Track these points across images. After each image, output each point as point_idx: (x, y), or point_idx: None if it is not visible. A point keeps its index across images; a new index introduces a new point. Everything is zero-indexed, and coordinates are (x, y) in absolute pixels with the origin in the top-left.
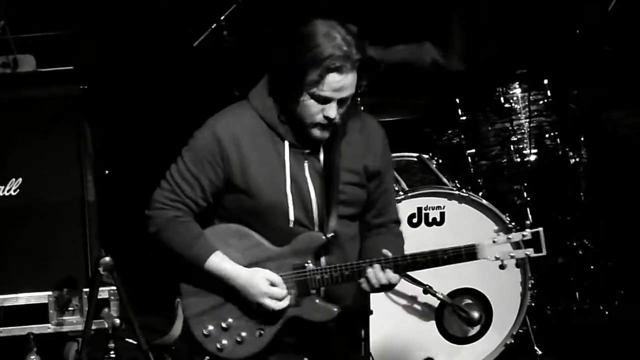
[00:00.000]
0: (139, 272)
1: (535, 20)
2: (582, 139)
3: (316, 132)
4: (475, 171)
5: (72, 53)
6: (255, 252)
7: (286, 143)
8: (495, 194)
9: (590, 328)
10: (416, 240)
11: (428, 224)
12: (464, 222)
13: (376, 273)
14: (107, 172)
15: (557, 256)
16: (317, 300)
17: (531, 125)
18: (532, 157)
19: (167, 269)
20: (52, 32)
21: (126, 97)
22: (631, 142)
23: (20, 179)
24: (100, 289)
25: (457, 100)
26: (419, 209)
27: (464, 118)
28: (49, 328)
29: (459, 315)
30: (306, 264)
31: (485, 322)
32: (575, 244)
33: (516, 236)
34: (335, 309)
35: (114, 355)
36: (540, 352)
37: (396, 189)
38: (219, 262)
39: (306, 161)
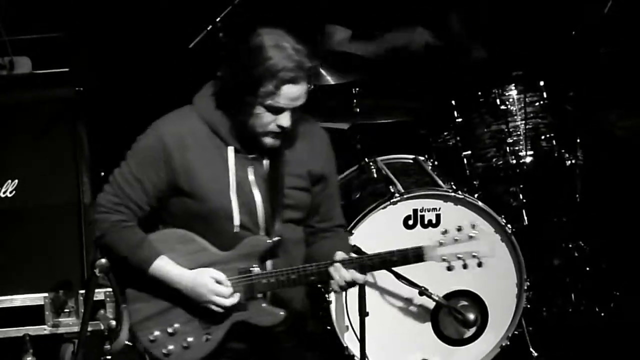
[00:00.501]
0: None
1: (531, 21)
2: (578, 140)
3: (268, 141)
4: (471, 173)
5: (68, 55)
6: (200, 256)
7: (230, 148)
8: (491, 196)
9: (586, 329)
10: (412, 242)
11: (424, 225)
12: (459, 224)
13: (341, 273)
14: (103, 173)
15: (553, 258)
16: (263, 305)
17: (527, 127)
18: (528, 159)
19: None
20: (48, 34)
21: (122, 98)
22: (627, 143)
23: (17, 181)
24: (96, 290)
25: (453, 102)
26: (415, 211)
27: (459, 120)
28: (45, 329)
29: (454, 317)
30: (252, 268)
31: (481, 323)
32: (570, 245)
33: (463, 236)
34: (282, 313)
35: (109, 357)
36: (536, 354)
37: (392, 190)
38: (164, 265)
39: (251, 166)
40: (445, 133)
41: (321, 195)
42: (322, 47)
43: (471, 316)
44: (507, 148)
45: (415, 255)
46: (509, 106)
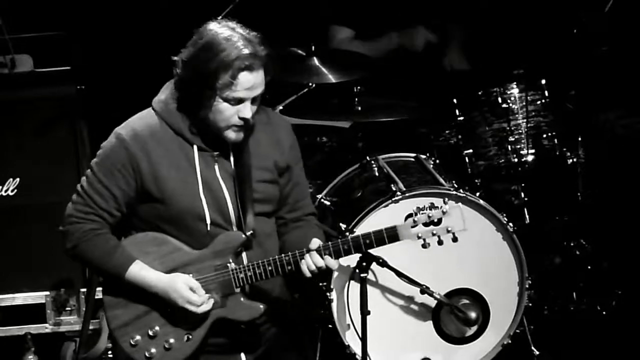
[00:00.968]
0: None
1: (533, 20)
2: (580, 139)
3: (231, 135)
4: (473, 171)
5: (69, 53)
6: (174, 257)
7: (194, 147)
8: (492, 194)
9: (588, 328)
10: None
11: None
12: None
13: (314, 259)
14: None
15: (555, 256)
16: (242, 299)
17: (528, 125)
18: (530, 158)
19: None
20: (50, 32)
21: (123, 97)
22: (628, 142)
23: (18, 179)
24: (98, 289)
25: (455, 101)
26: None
27: (461, 118)
28: (46, 328)
29: (456, 316)
30: (228, 264)
31: (483, 322)
32: (572, 244)
33: (436, 214)
34: (262, 306)
35: (111, 356)
36: (537, 352)
37: (393, 188)
38: (139, 270)
39: (216, 163)
40: (447, 131)
41: (288, 185)
42: (325, 46)
43: (472, 314)
44: (509, 146)
45: (390, 235)
46: (510, 104)
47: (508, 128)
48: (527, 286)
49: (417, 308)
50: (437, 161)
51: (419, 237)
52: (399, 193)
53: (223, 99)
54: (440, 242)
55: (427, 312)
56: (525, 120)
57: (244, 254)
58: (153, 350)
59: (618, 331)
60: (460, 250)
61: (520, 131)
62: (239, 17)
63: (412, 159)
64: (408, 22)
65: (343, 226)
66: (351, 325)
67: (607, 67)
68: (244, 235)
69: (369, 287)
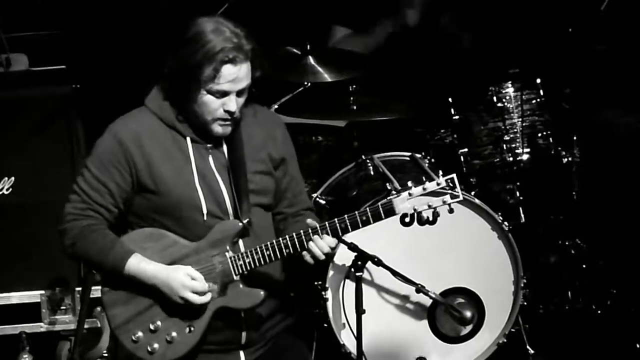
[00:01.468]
0: None
1: (528, 19)
2: (575, 138)
3: (218, 129)
4: (468, 170)
5: (64, 52)
6: (172, 251)
7: (188, 139)
8: (487, 194)
9: (583, 327)
10: (409, 240)
11: (421, 223)
12: (456, 221)
13: (317, 242)
14: None
15: (550, 255)
16: (241, 287)
17: (524, 124)
18: (525, 157)
19: None
20: (45, 31)
21: (119, 96)
22: (624, 141)
23: (13, 178)
24: (93, 288)
25: (450, 100)
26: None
27: (456, 117)
28: (41, 327)
29: (451, 315)
30: (226, 252)
31: (478, 321)
32: (567, 243)
33: (431, 185)
34: (262, 293)
35: (106, 355)
36: (532, 352)
37: (389, 187)
38: (138, 263)
39: (210, 155)
40: (442, 130)
41: (285, 178)
42: (320, 45)
43: (468, 313)
44: (504, 145)
45: (387, 209)
46: (505, 104)
47: (503, 127)
48: (522, 285)
49: (413, 307)
50: (433, 160)
51: (415, 210)
52: (394, 192)
53: (207, 92)
54: (436, 214)
55: (422, 311)
56: (520, 119)
57: (240, 242)
58: (155, 345)
59: (613, 330)
60: (456, 249)
61: (516, 130)
62: (234, 16)
63: (408, 158)
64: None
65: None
66: (346, 324)
67: (603, 66)
68: (240, 223)
69: (364, 286)
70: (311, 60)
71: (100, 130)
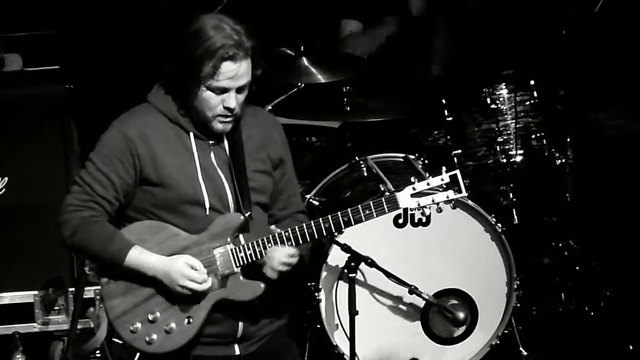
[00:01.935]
0: None
1: (522, 20)
2: (569, 139)
3: (218, 126)
4: (461, 172)
5: (58, 52)
6: (171, 243)
7: (191, 134)
8: (481, 195)
9: (576, 328)
10: (402, 241)
11: (414, 224)
12: (449, 223)
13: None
14: None
15: (543, 257)
16: (241, 279)
17: (517, 126)
18: (518, 158)
19: None
20: (39, 31)
21: (113, 96)
22: (617, 143)
23: (6, 179)
24: (86, 288)
25: (443, 101)
26: (405, 210)
27: (450, 119)
28: (34, 327)
29: (444, 316)
30: (227, 245)
31: (471, 322)
32: (560, 244)
33: (435, 180)
34: (262, 285)
35: (99, 355)
36: (525, 353)
37: (382, 189)
38: (139, 254)
39: (212, 151)
40: (436, 132)
41: (283, 180)
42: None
43: (461, 315)
44: (498, 147)
45: (390, 203)
46: (499, 105)
47: (497, 128)
48: (515, 287)
49: (406, 308)
50: (426, 161)
51: (418, 205)
52: (387, 193)
53: (207, 88)
54: (439, 210)
55: (415, 313)
56: (514, 120)
57: (241, 236)
58: (154, 335)
59: (606, 332)
60: (449, 250)
61: (509, 132)
62: (229, 16)
63: (401, 159)
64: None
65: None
66: (339, 326)
67: (597, 68)
68: (242, 217)
69: (357, 287)
70: (305, 61)
71: (94, 131)
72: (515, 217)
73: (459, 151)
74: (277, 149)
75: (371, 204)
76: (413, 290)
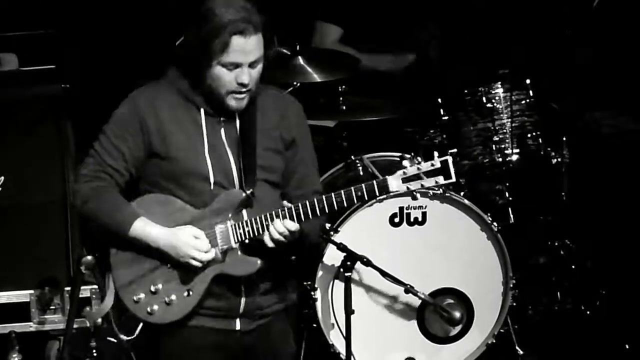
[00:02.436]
0: None
1: (518, 20)
2: (564, 139)
3: (232, 102)
4: (457, 171)
5: (54, 52)
6: (177, 216)
7: (202, 111)
8: (477, 194)
9: (572, 328)
10: (398, 240)
11: (410, 223)
12: (445, 222)
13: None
14: None
15: (539, 256)
16: (239, 254)
17: (513, 125)
18: (514, 157)
19: None
20: (35, 31)
21: (109, 96)
22: (613, 142)
23: (2, 178)
24: (82, 287)
25: (439, 100)
26: (401, 209)
27: (445, 118)
28: (30, 327)
29: (440, 315)
30: (228, 220)
31: (467, 321)
32: (556, 244)
33: (425, 165)
34: (259, 262)
35: (95, 354)
36: (521, 352)
37: None
38: (143, 226)
39: (222, 128)
40: (432, 131)
41: (295, 160)
42: (309, 43)
43: (457, 314)
44: (493, 146)
45: (381, 186)
46: (495, 104)
47: (493, 127)
48: (511, 286)
49: (402, 307)
50: (422, 160)
51: (408, 189)
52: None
53: (219, 64)
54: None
55: (411, 312)
56: (509, 119)
57: (244, 212)
58: (155, 306)
59: (602, 331)
60: (445, 249)
61: (505, 131)
62: None
63: (397, 158)
64: (399, 48)
65: (327, 226)
66: (335, 325)
67: (593, 67)
68: (244, 193)
69: (353, 287)
70: (300, 60)
71: (90, 131)
72: (511, 216)
73: (455, 150)
74: (290, 130)
75: (363, 186)
76: (409, 290)
